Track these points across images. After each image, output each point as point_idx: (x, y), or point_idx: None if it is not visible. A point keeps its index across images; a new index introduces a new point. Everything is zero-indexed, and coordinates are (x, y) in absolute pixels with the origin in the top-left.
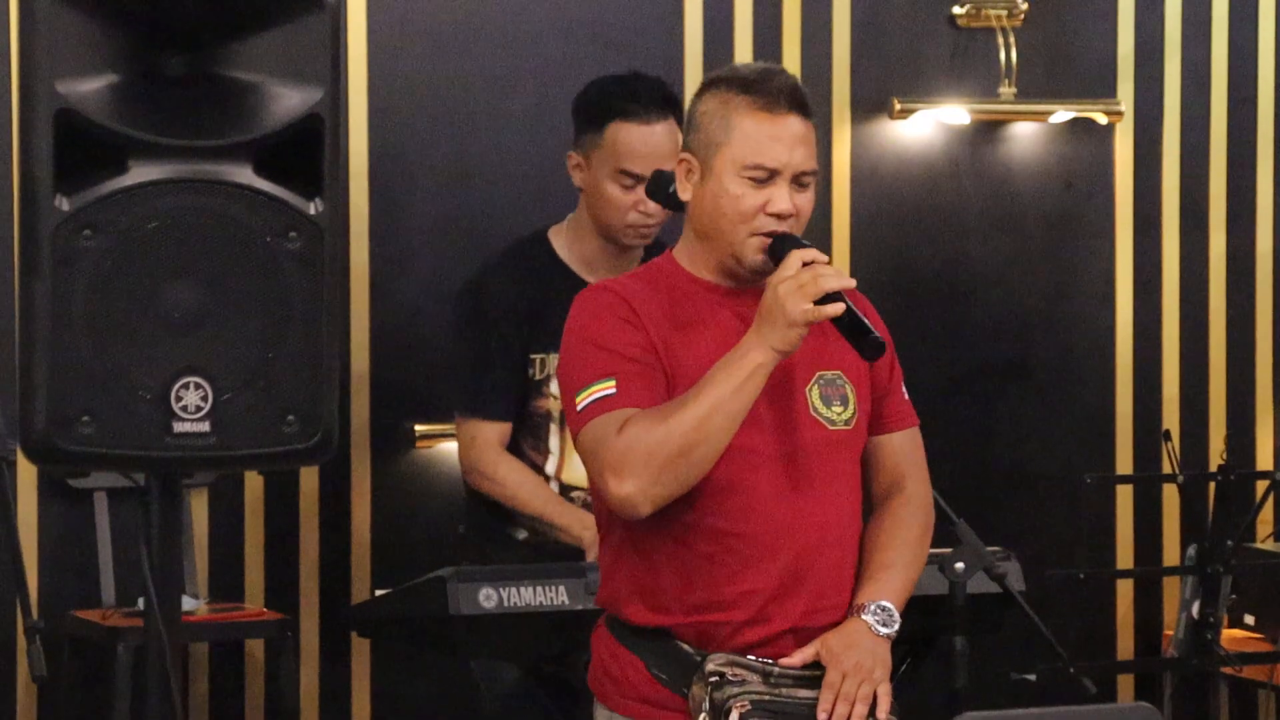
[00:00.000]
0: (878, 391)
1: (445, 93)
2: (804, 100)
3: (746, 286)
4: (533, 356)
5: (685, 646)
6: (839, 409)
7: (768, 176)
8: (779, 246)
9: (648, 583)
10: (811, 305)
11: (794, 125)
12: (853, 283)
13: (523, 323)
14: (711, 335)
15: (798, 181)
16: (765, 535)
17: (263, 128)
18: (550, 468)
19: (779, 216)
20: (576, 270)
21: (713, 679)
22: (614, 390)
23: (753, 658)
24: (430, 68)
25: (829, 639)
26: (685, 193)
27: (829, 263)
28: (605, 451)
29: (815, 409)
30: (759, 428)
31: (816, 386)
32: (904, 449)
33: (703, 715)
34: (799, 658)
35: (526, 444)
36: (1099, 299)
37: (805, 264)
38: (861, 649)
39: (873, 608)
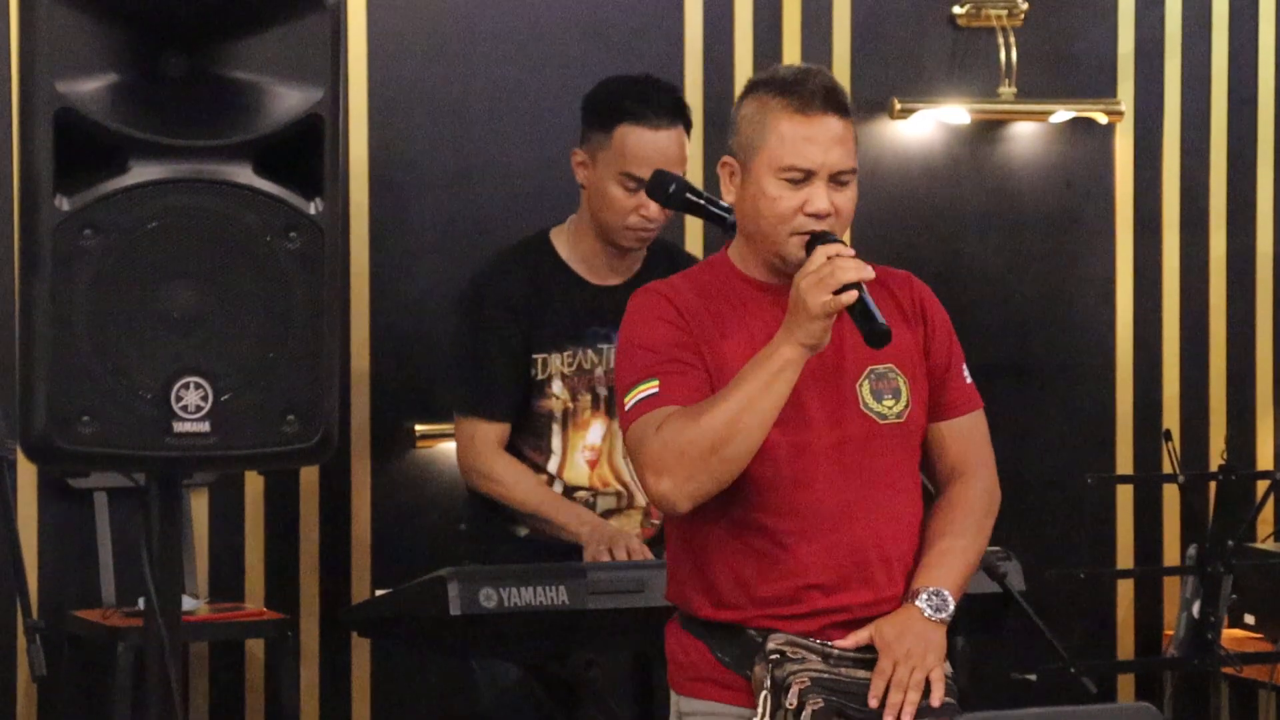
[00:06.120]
0: (936, 377)
1: (445, 92)
2: (840, 99)
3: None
4: (534, 356)
5: (750, 630)
6: (890, 402)
7: (803, 177)
8: (811, 244)
9: (707, 579)
10: (830, 297)
11: (830, 125)
12: (872, 273)
13: (523, 322)
14: (755, 331)
15: (836, 180)
16: (819, 532)
17: (263, 128)
18: (552, 467)
19: (817, 216)
20: (577, 270)
21: (773, 657)
22: (657, 390)
23: (812, 639)
24: (430, 67)
25: (882, 625)
26: (729, 195)
27: (855, 255)
28: (643, 450)
29: (866, 404)
30: (810, 425)
31: (867, 381)
32: (966, 433)
33: (764, 693)
34: (852, 640)
35: (527, 445)
36: (1099, 299)
37: (830, 258)
38: (914, 635)
39: (926, 594)
